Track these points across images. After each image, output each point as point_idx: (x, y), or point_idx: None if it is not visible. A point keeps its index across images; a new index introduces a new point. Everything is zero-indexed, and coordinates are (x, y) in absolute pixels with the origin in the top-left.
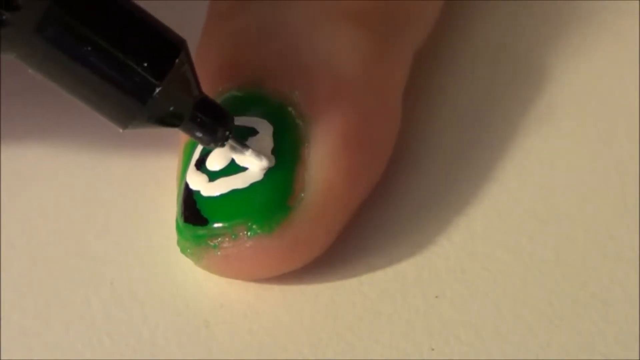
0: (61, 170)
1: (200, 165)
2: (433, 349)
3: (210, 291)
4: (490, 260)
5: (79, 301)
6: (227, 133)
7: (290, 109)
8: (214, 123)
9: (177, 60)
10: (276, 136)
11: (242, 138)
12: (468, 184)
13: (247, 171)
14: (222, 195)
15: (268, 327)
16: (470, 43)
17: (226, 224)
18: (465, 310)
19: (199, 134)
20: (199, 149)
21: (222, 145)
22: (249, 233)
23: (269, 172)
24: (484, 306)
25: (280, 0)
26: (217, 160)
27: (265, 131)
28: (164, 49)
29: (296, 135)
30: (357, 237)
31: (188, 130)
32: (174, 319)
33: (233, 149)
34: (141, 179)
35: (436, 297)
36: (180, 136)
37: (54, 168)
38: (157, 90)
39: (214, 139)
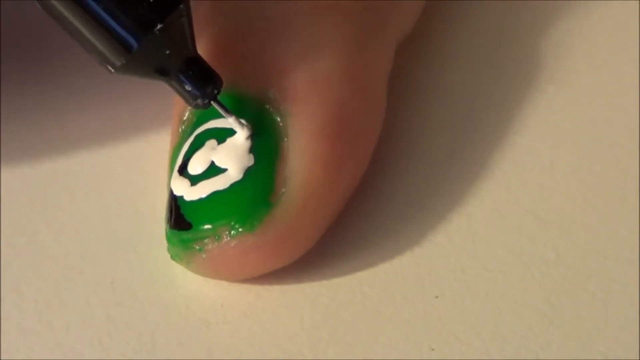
0: (61, 170)
1: (183, 170)
2: (433, 349)
3: (210, 291)
4: (490, 260)
5: (79, 301)
6: (215, 91)
7: (267, 106)
8: (204, 79)
9: (180, 6)
10: (254, 134)
11: (221, 140)
12: (468, 184)
13: (227, 172)
14: (203, 198)
15: (268, 327)
16: (469, 43)
17: (209, 226)
18: (465, 310)
19: (188, 87)
20: (182, 154)
21: (208, 105)
22: (232, 233)
23: (248, 171)
24: (484, 306)
25: (257, 0)
26: (198, 163)
27: (243, 130)
28: None
29: (275, 131)
30: (356, 236)
31: (178, 83)
32: (174, 319)
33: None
34: (141, 179)
35: (436, 297)
36: (171, 141)
37: (55, 168)
38: (159, 26)
39: (203, 94)
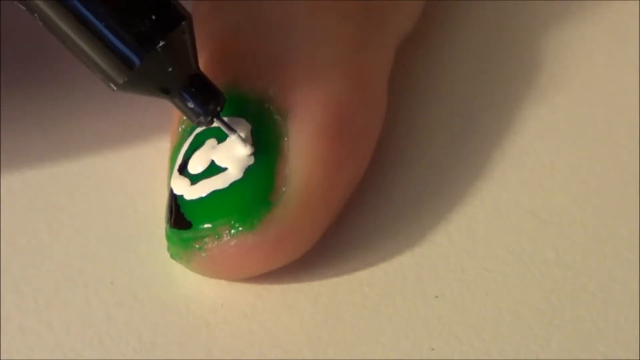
0: (61, 170)
1: (183, 169)
2: (433, 349)
3: (210, 291)
4: (490, 260)
5: (79, 301)
6: (218, 108)
7: (267, 105)
8: (206, 96)
9: (183, 23)
10: (255, 133)
11: (221, 139)
12: (468, 184)
13: (227, 171)
14: (203, 198)
15: (268, 327)
16: (469, 43)
17: (209, 225)
18: (465, 310)
19: (191, 105)
20: (182, 153)
21: (211, 122)
22: (232, 232)
23: (249, 170)
24: (484, 306)
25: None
26: (198, 162)
27: (243, 130)
28: (172, 13)
29: (275, 130)
30: (356, 236)
31: (181, 100)
32: (174, 319)
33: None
34: (141, 179)
35: (436, 297)
36: (171, 140)
37: (55, 168)
38: (161, 43)
39: (205, 112)
